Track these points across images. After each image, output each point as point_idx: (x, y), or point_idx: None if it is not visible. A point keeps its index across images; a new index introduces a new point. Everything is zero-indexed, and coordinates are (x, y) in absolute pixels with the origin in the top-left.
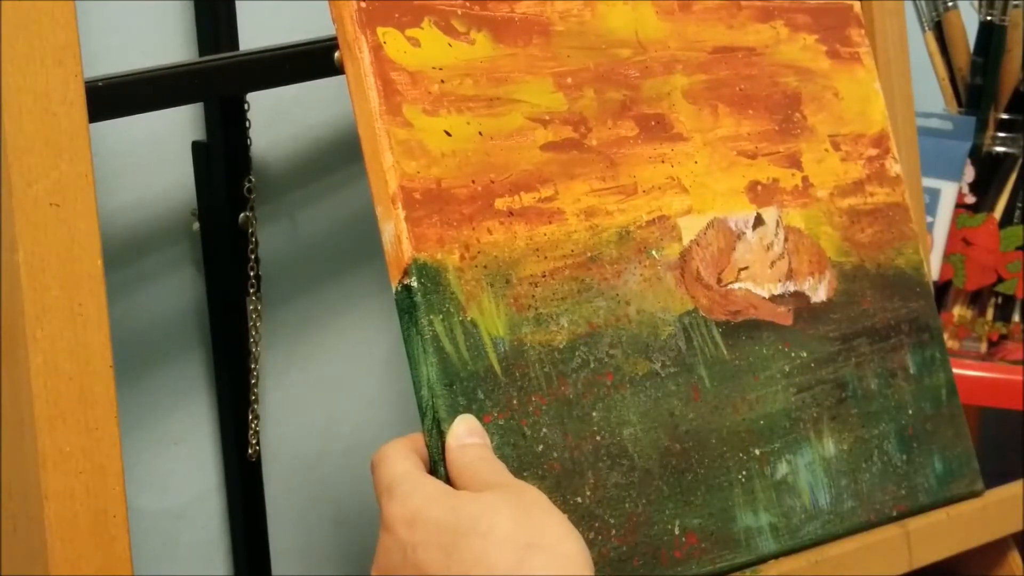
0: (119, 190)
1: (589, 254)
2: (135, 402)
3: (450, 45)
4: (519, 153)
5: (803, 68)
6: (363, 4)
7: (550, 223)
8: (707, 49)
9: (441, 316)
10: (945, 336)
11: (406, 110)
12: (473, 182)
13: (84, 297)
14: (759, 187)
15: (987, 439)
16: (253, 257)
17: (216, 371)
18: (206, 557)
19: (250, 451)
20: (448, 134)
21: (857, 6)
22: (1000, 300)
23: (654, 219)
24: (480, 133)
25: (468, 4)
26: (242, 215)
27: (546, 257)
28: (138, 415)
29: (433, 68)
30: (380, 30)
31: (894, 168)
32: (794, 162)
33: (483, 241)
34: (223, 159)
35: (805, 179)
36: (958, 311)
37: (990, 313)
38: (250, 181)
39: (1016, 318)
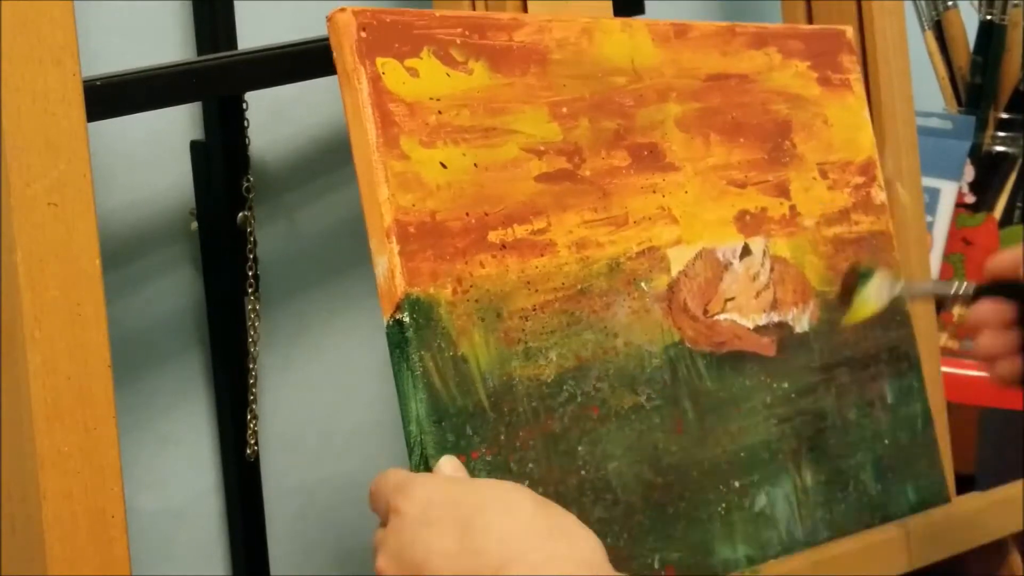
0: (117, 189)
1: (579, 286)
2: (133, 402)
3: (448, 75)
4: (513, 184)
5: (794, 95)
6: (363, 34)
7: (542, 255)
8: (701, 76)
9: (431, 352)
10: (945, 336)
11: (403, 142)
12: (467, 214)
13: (82, 297)
14: (747, 216)
15: (987, 439)
16: (251, 256)
17: (214, 371)
18: (204, 557)
19: (248, 451)
20: (444, 166)
21: (850, 31)
22: None
23: (644, 250)
24: (475, 164)
25: (467, 33)
26: (240, 214)
27: (537, 290)
28: (136, 415)
29: (431, 99)
30: (379, 60)
31: (879, 196)
32: (782, 191)
33: (475, 275)
34: (221, 158)
35: (793, 208)
36: (958, 311)
37: None
38: (248, 180)
39: None
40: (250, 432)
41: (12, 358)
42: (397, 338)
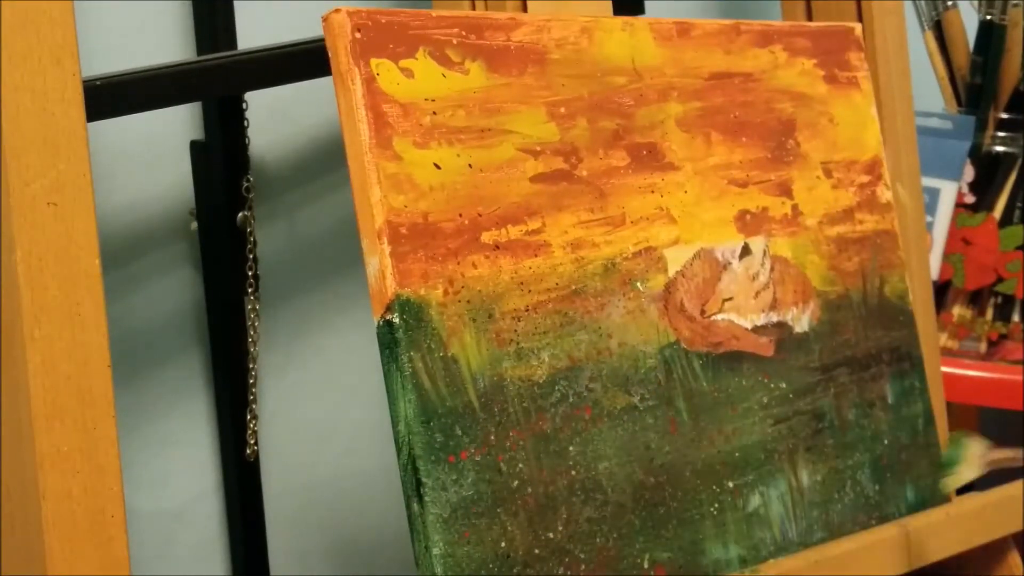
0: (117, 189)
1: (573, 287)
2: (133, 402)
3: (444, 76)
4: (508, 185)
5: (799, 93)
6: (358, 34)
7: (536, 256)
8: (704, 75)
9: (421, 353)
10: (945, 336)
11: (396, 143)
12: (460, 215)
13: (82, 296)
14: (748, 216)
15: (987, 439)
16: (251, 256)
17: (214, 371)
18: (204, 557)
19: (248, 451)
20: (437, 167)
21: (858, 28)
22: (1000, 300)
23: (640, 250)
24: (470, 165)
25: (464, 33)
26: (240, 214)
27: (530, 291)
28: (136, 415)
29: (426, 100)
30: (374, 61)
31: (885, 195)
32: (785, 190)
33: (467, 276)
34: (221, 158)
35: (795, 207)
36: (958, 311)
37: (990, 313)
38: (248, 180)
39: (1016, 318)
40: (250, 432)
41: (12, 358)
42: (387, 339)
